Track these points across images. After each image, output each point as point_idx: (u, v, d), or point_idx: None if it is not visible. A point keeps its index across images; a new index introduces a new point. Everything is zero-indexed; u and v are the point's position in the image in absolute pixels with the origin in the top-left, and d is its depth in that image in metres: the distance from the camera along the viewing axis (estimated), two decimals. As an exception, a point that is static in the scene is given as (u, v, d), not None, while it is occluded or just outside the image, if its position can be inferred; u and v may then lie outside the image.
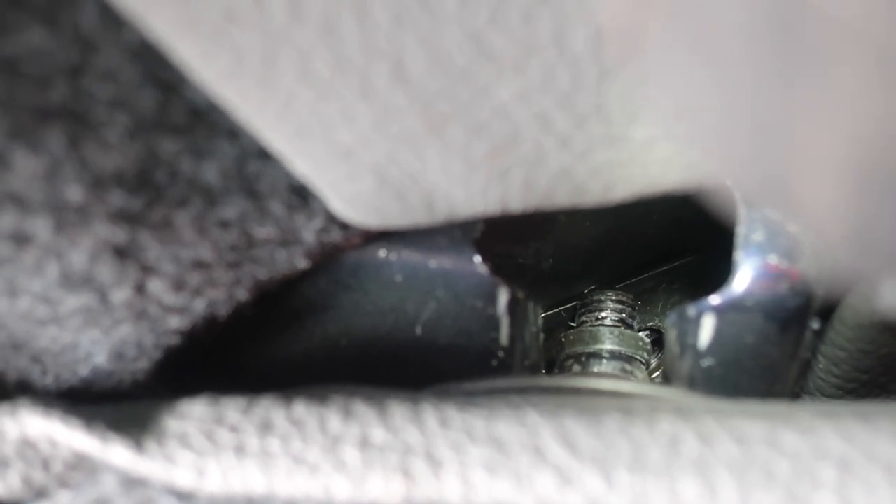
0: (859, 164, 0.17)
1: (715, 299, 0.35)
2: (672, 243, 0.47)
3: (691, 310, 0.35)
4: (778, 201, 0.20)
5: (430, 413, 0.29)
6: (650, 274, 0.48)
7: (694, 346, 0.35)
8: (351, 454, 0.28)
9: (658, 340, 0.46)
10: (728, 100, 0.18)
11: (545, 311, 0.46)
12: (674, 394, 0.34)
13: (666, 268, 0.48)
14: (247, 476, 0.28)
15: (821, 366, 0.39)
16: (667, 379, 0.38)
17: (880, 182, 0.17)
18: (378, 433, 0.29)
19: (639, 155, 0.28)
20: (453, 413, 0.29)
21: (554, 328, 0.46)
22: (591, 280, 0.47)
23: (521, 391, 0.33)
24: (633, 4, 0.18)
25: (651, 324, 0.47)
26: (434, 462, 0.28)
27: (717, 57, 0.17)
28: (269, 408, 0.30)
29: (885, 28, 0.15)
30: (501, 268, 0.36)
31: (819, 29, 0.16)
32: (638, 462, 0.27)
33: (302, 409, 0.30)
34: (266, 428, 0.29)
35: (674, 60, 0.18)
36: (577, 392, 0.34)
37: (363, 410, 0.29)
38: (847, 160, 0.17)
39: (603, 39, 0.24)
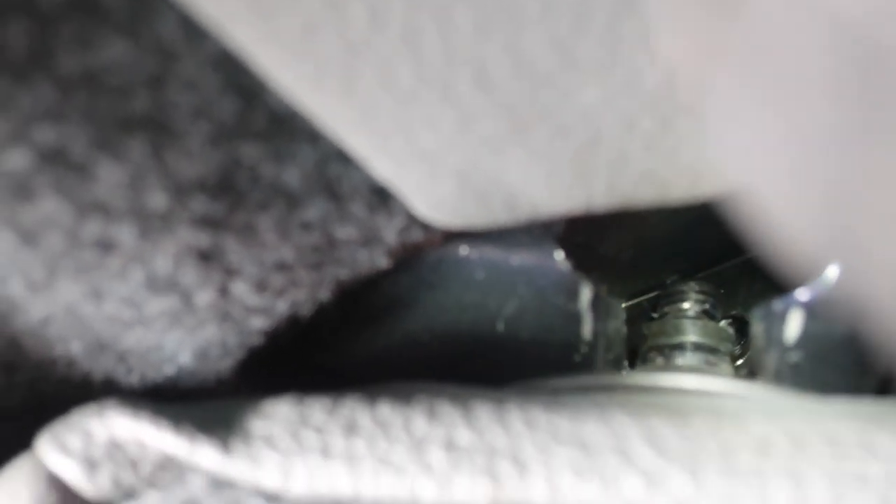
0: None
1: (802, 293, 0.34)
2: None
3: (778, 304, 0.35)
4: (847, 259, 0.20)
5: (516, 414, 0.29)
6: (733, 262, 0.47)
7: (780, 341, 0.35)
8: (436, 456, 0.28)
9: (741, 329, 0.46)
10: (799, 155, 0.17)
11: (626, 302, 0.46)
12: (761, 391, 0.34)
13: (749, 256, 0.47)
14: (333, 477, 0.28)
15: (911, 355, 0.38)
16: (752, 372, 0.37)
17: None
18: (463, 434, 0.29)
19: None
20: (539, 414, 0.29)
21: (636, 318, 0.46)
22: (672, 270, 0.46)
23: (607, 389, 0.33)
24: (703, 52, 0.17)
25: (734, 312, 0.46)
26: (520, 464, 0.27)
27: (790, 111, 0.17)
28: (354, 408, 0.30)
29: None
30: (582, 259, 0.36)
31: None
32: (727, 465, 0.27)
33: (387, 409, 0.30)
34: (351, 429, 0.29)
35: (743, 112, 0.18)
36: (663, 391, 0.34)
37: (448, 411, 0.29)
38: None
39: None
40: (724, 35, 0.17)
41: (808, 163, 0.17)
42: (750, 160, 0.19)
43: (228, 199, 0.27)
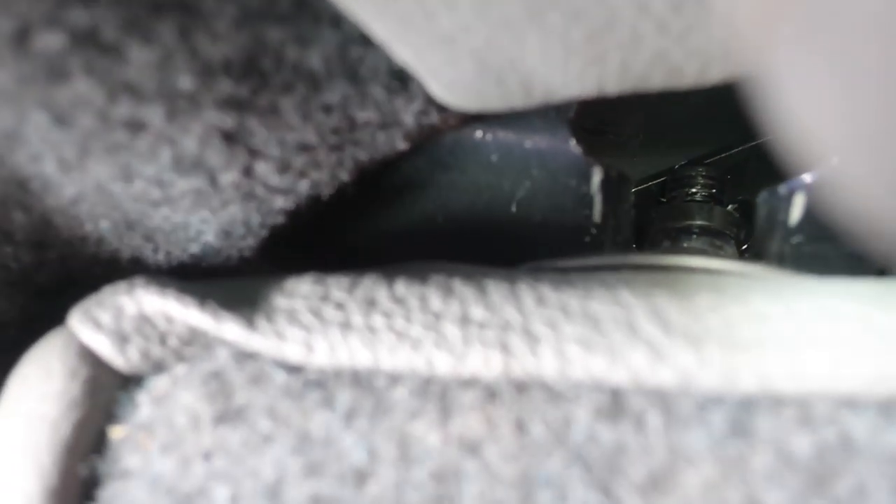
0: None
1: (807, 177, 0.35)
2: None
3: (783, 188, 0.35)
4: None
5: (527, 292, 0.30)
6: (741, 148, 0.48)
7: (784, 224, 0.35)
8: (451, 331, 0.29)
9: (747, 213, 0.46)
10: (858, 106, 0.18)
11: (636, 187, 0.47)
12: (763, 271, 0.35)
13: (757, 142, 0.48)
14: (352, 351, 0.29)
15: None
16: (756, 255, 0.38)
17: None
18: (477, 311, 0.29)
19: (738, 34, 0.28)
20: (549, 292, 0.30)
21: (644, 202, 0.47)
22: (681, 155, 0.47)
23: (614, 268, 0.34)
24: (768, 8, 0.18)
25: (741, 197, 0.47)
26: (531, 338, 0.28)
27: (848, 60, 0.17)
28: (373, 286, 0.31)
29: None
30: (594, 143, 0.37)
31: None
32: (728, 339, 0.28)
33: (404, 287, 0.31)
34: (370, 305, 0.30)
35: (804, 64, 0.18)
36: (669, 269, 0.35)
37: (462, 289, 0.30)
38: None
39: None
40: None
41: (866, 115, 0.18)
42: (809, 108, 0.19)
43: (253, 82, 0.28)
